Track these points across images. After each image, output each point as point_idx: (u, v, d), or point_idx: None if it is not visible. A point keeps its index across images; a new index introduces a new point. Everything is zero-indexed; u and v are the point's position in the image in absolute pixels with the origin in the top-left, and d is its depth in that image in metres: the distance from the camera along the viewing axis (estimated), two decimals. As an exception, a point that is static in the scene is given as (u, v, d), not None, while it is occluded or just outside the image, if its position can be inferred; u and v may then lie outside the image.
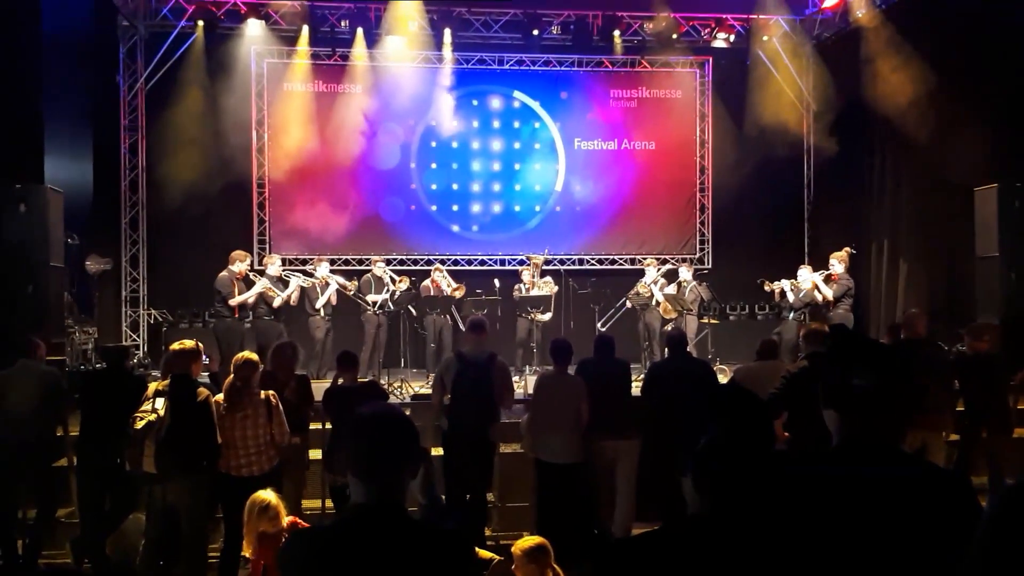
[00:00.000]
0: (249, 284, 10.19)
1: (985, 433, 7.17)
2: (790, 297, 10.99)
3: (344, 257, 13.12)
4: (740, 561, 2.04)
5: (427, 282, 11.68)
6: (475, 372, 6.66)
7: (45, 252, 9.31)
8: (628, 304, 12.07)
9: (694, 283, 11.71)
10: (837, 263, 10.71)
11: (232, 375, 6.05)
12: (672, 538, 2.24)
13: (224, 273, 10.04)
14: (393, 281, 11.34)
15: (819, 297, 10.69)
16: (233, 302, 9.92)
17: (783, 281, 11.14)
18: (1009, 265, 9.74)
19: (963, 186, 10.44)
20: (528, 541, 4.70)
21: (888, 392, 2.05)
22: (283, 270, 11.08)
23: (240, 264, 10.13)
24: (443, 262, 12.85)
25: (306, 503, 7.00)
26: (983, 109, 10.08)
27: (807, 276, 11.08)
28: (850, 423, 2.08)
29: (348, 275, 11.73)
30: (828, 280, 10.71)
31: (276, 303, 10.41)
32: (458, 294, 11.57)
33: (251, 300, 10.12)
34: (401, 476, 2.15)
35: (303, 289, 11.05)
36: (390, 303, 11.18)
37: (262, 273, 10.63)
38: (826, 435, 2.16)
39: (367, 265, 12.43)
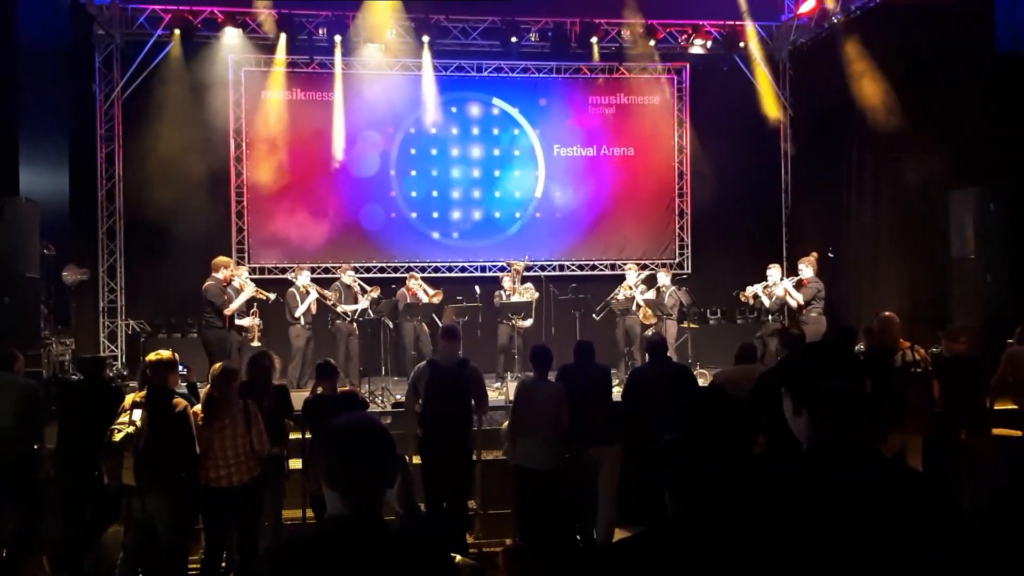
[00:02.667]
0: (235, 290, 10.08)
1: (963, 435, 7.22)
2: (765, 301, 11.05)
3: (324, 265, 13.07)
4: (718, 564, 2.04)
5: (402, 290, 11.66)
6: (448, 379, 6.64)
7: (21, 263, 9.24)
8: (612, 307, 12.05)
9: (673, 288, 11.74)
10: (806, 267, 10.79)
11: (209, 385, 6.02)
12: (652, 543, 2.24)
13: (211, 282, 9.87)
14: (363, 290, 11.29)
15: (792, 303, 10.77)
16: (228, 311, 9.79)
17: (755, 286, 11.19)
18: (985, 267, 9.82)
19: (939, 189, 10.53)
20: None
21: (862, 395, 2.06)
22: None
23: (225, 271, 10.01)
24: (423, 269, 12.85)
25: (287, 513, 6.97)
26: (958, 112, 10.17)
27: (777, 275, 11.15)
28: (823, 425, 2.09)
29: (329, 284, 11.68)
30: (799, 286, 10.78)
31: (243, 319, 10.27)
32: (436, 300, 11.55)
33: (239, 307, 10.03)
34: (376, 487, 2.13)
35: (285, 298, 11.02)
36: (370, 311, 11.14)
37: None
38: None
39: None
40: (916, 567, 1.93)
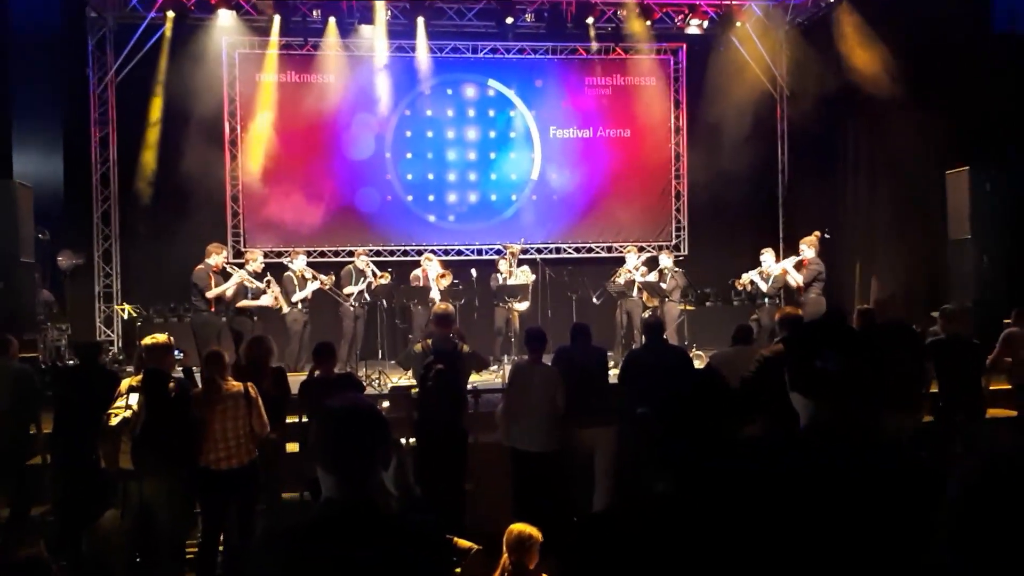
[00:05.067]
0: (226, 277, 10.07)
1: (960, 416, 7.23)
2: (762, 286, 11.01)
3: (320, 249, 13.04)
4: (700, 541, 2.04)
5: (417, 271, 11.61)
6: (442, 363, 6.66)
7: (15, 248, 9.23)
8: (608, 291, 12.02)
9: (675, 270, 11.72)
10: (807, 248, 10.74)
11: (204, 369, 6.02)
12: (636, 516, 2.25)
13: (201, 266, 9.91)
14: (375, 274, 11.27)
15: (792, 283, 10.73)
16: (210, 295, 9.79)
17: (751, 273, 11.15)
18: (981, 248, 9.84)
19: (936, 169, 10.53)
20: (520, 528, 4.73)
21: (855, 374, 2.06)
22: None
23: (216, 257, 10.00)
24: (419, 252, 12.77)
25: (284, 496, 6.98)
26: (955, 92, 10.15)
27: (771, 260, 11.12)
28: (818, 406, 2.08)
29: (325, 267, 11.65)
30: (799, 266, 10.73)
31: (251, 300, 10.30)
32: (444, 281, 11.48)
33: (229, 293, 10.00)
34: (369, 469, 2.13)
35: (282, 282, 11.01)
36: (366, 294, 11.13)
37: (241, 267, 10.47)
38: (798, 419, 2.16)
39: (344, 257, 12.42)
40: (908, 552, 1.92)
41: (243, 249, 12.60)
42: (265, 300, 10.38)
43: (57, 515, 6.55)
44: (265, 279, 10.46)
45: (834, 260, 12.03)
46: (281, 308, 10.66)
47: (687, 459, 2.25)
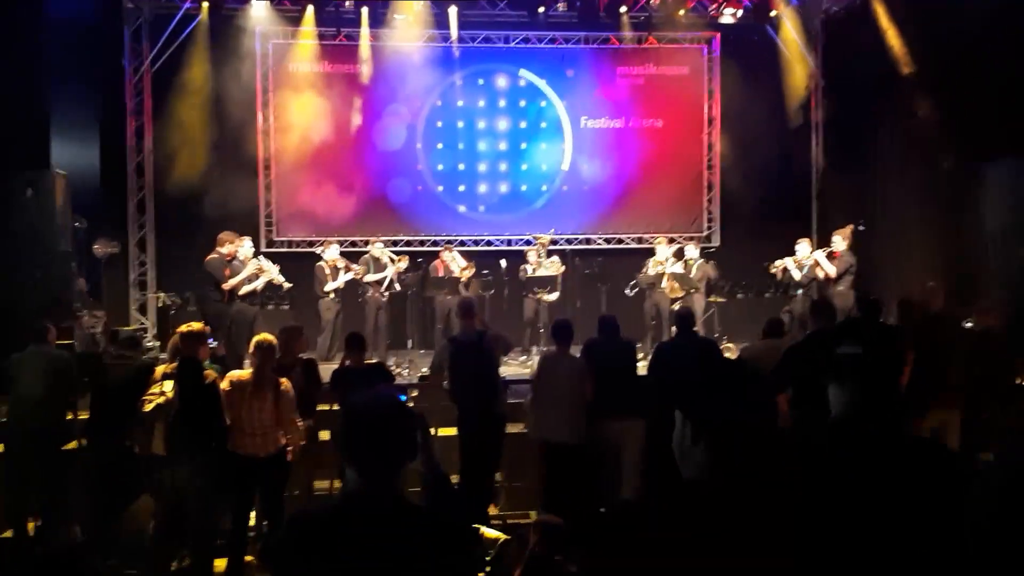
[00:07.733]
0: (238, 268, 10.10)
1: (992, 409, 7.14)
2: (795, 275, 10.95)
3: (351, 239, 13.09)
4: (726, 530, 2.04)
5: (435, 263, 11.68)
6: (470, 353, 6.75)
7: (53, 237, 9.36)
8: (639, 283, 11.95)
9: (700, 261, 11.65)
10: (840, 240, 10.69)
11: (254, 356, 6.11)
12: (663, 506, 2.26)
13: (213, 256, 9.97)
14: (392, 260, 11.32)
15: (822, 273, 10.68)
16: (226, 286, 9.86)
17: (786, 259, 11.09)
18: (1019, 240, 9.68)
19: (974, 160, 10.36)
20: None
21: (874, 359, 2.06)
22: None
23: (229, 247, 10.05)
24: (450, 242, 12.81)
25: (316, 483, 7.07)
26: (995, 82, 9.97)
27: (807, 250, 11.05)
28: (844, 395, 2.08)
29: (356, 257, 11.71)
30: (830, 257, 10.69)
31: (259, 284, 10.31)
32: (467, 273, 11.50)
33: (246, 283, 10.04)
34: (391, 464, 2.16)
35: (314, 272, 11.09)
36: (396, 284, 11.19)
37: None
38: (829, 410, 2.17)
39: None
40: (930, 537, 1.92)
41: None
42: (258, 284, 10.33)
43: (92, 500, 6.66)
44: (256, 262, 10.42)
45: (869, 252, 11.89)
46: (282, 286, 10.60)
47: (716, 446, 2.25)
